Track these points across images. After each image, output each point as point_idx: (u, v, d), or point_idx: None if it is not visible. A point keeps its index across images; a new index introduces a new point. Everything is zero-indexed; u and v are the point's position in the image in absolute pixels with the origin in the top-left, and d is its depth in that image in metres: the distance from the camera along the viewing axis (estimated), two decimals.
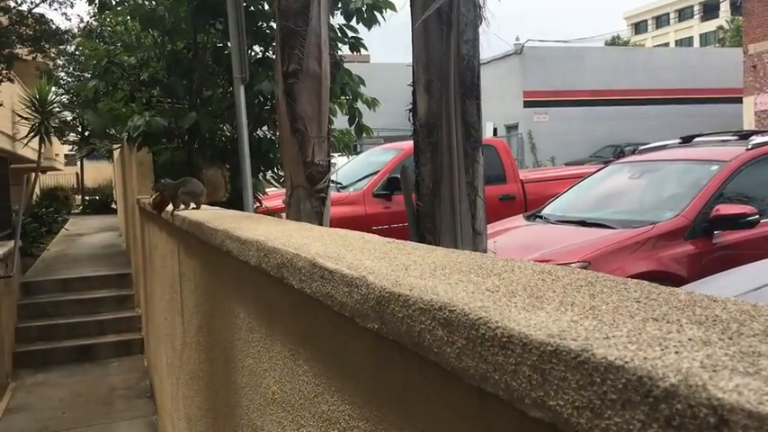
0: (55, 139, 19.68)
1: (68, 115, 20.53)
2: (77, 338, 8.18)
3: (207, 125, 6.01)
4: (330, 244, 1.37)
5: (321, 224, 3.59)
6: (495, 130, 25.36)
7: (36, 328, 8.27)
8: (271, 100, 6.32)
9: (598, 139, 25.75)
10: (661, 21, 70.59)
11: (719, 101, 26.97)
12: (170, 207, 3.53)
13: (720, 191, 5.37)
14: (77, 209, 25.44)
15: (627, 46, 46.09)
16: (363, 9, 5.95)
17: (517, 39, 26.97)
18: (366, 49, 6.69)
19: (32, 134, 16.00)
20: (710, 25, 60.12)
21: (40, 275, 9.66)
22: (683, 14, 66.89)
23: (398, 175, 7.44)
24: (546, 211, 6.44)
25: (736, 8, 23.54)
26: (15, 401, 6.70)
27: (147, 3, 6.38)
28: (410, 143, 7.92)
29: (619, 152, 20.92)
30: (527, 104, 26.20)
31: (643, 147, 7.48)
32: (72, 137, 22.98)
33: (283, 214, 4.75)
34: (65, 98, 20.03)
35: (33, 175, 17.09)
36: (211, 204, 3.80)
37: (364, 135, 7.00)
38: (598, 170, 7.30)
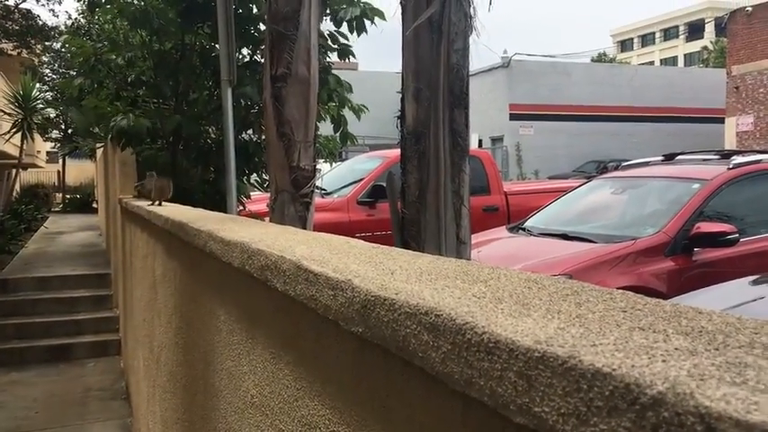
0: (37, 136, 19.48)
1: (52, 112, 20.35)
2: (54, 338, 8.07)
3: (190, 128, 5.98)
4: (315, 247, 1.37)
5: (304, 228, 3.58)
6: (480, 142, 25.50)
7: (12, 325, 8.14)
8: (257, 103, 6.31)
9: (582, 153, 25.96)
10: (646, 39, 71.45)
11: (702, 120, 27.33)
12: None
13: (701, 209, 5.43)
14: (58, 207, 25.17)
15: (613, 63, 46.58)
16: (354, 18, 5.97)
17: (505, 52, 27.18)
18: (354, 56, 6.70)
19: (14, 130, 15.82)
20: (695, 45, 60.95)
21: (18, 273, 9.52)
22: (669, 34, 67.79)
23: (383, 183, 7.45)
24: (529, 223, 6.47)
25: (720, 29, 23.93)
26: None
27: (136, 2, 6.35)
28: (395, 151, 7.92)
29: (602, 168, 21.10)
30: (513, 117, 26.39)
31: (626, 163, 7.55)
32: (55, 134, 22.78)
33: (267, 218, 4.73)
34: (49, 95, 19.84)
35: (14, 171, 16.89)
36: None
37: (349, 142, 7.00)
38: (581, 184, 7.36)
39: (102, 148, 12.53)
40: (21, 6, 11.64)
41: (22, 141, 15.98)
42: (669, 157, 6.87)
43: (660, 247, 5.19)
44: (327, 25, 6.20)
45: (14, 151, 16.26)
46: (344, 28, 6.16)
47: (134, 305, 5.30)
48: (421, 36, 2.69)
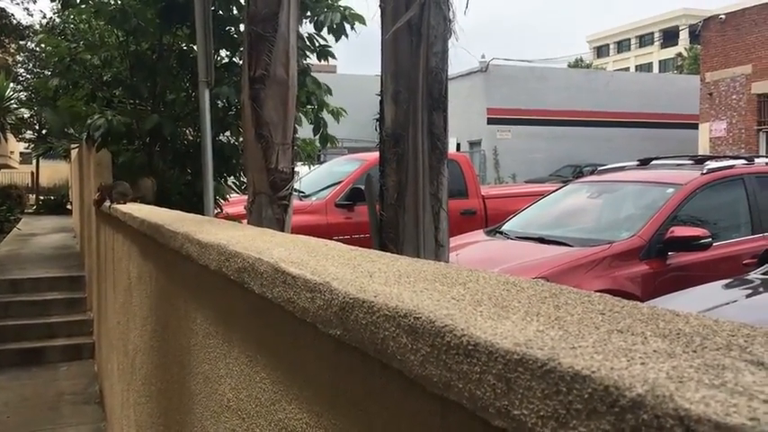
0: (11, 137, 19.17)
1: (26, 112, 20.04)
2: (26, 341, 7.93)
3: (169, 128, 5.92)
4: (293, 249, 1.36)
5: (282, 232, 3.56)
6: (458, 146, 25.60)
7: None
8: (235, 105, 6.27)
9: (559, 158, 26.15)
10: (622, 45, 72.31)
11: (676, 126, 27.69)
12: (107, 203, 4.72)
13: (675, 213, 5.51)
14: (31, 208, 24.78)
15: (589, 69, 47.07)
16: (334, 25, 5.96)
17: (483, 56, 27.32)
18: (334, 57, 6.69)
19: None
20: (670, 52, 61.76)
21: None
22: (644, 41, 68.63)
23: (361, 186, 7.45)
24: (506, 227, 6.50)
25: (694, 37, 24.24)
26: None
27: (113, 1, 6.28)
28: (374, 154, 7.92)
29: (578, 172, 21.28)
30: (490, 121, 26.52)
31: (602, 167, 7.62)
32: (29, 135, 22.44)
33: (244, 221, 4.70)
34: (23, 95, 19.55)
35: None
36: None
37: (329, 145, 6.99)
38: (558, 189, 7.42)
39: (76, 149, 12.36)
40: None
41: None
42: (644, 162, 6.95)
43: (635, 251, 5.24)
44: (308, 28, 6.19)
45: None
46: (326, 32, 6.15)
47: (108, 308, 5.24)
48: (400, 39, 2.69)
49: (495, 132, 26.55)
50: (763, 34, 19.92)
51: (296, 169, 4.05)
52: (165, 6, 5.89)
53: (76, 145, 10.61)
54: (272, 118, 3.57)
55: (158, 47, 6.35)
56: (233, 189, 6.98)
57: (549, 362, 0.54)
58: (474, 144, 27.19)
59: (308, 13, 6.02)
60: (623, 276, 5.11)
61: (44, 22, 16.11)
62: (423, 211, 2.68)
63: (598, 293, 0.79)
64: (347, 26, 6.09)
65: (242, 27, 6.11)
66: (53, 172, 30.21)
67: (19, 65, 20.12)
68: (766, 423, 0.41)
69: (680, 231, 5.28)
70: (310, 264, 1.14)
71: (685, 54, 51.85)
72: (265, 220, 3.57)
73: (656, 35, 65.92)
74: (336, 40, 6.20)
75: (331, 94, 6.69)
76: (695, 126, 22.72)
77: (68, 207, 22.13)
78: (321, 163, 11.29)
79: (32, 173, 28.67)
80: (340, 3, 6.20)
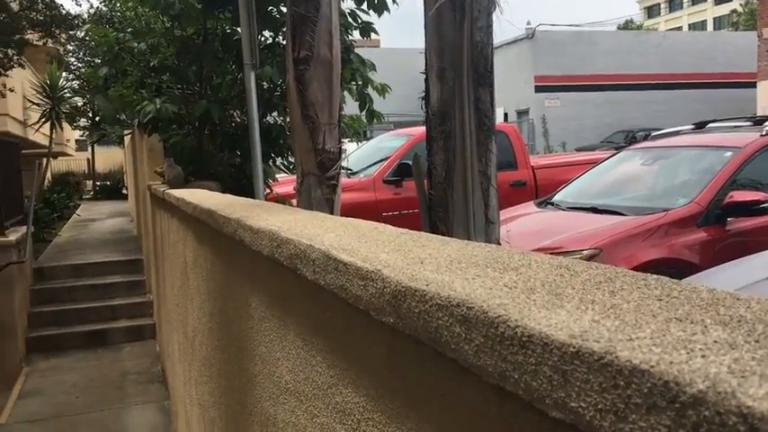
0: (66, 125, 19.74)
1: (79, 101, 20.57)
2: (90, 323, 8.25)
3: (218, 112, 6.00)
4: (344, 235, 1.37)
5: (332, 211, 3.58)
6: (505, 116, 25.26)
7: (49, 313, 8.34)
8: (280, 86, 6.31)
9: (610, 124, 25.58)
10: (674, 5, 69.78)
11: (733, 85, 26.69)
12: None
13: (734, 177, 5.33)
14: (89, 194, 25.57)
15: (640, 30, 45.62)
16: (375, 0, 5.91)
17: (528, 23, 26.76)
18: (377, 33, 6.65)
19: (43, 120, 16.04)
20: (724, 9, 59.39)
21: (53, 261, 9.72)
22: None
23: (409, 162, 7.42)
24: (557, 197, 6.40)
25: None
26: (29, 386, 6.78)
27: None
28: (420, 129, 7.86)
29: (631, 138, 20.79)
30: (538, 89, 26.06)
31: (656, 133, 7.42)
32: (83, 122, 23.04)
33: (294, 201, 4.75)
34: (75, 84, 20.06)
35: (45, 160, 17.16)
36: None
37: (375, 121, 6.97)
38: (610, 156, 7.25)
39: (129, 135, 12.66)
40: None
41: (51, 130, 16.21)
42: (700, 126, 6.73)
43: (692, 218, 5.11)
44: (349, 4, 6.15)
45: (44, 141, 16.51)
46: (366, 6, 6.10)
47: (167, 290, 5.38)
48: (444, 15, 2.65)
49: (544, 100, 26.08)
50: None
51: (343, 147, 4.06)
52: None
53: (129, 131, 10.86)
54: (318, 98, 3.59)
55: (203, 31, 6.41)
56: (281, 170, 7.04)
57: (605, 355, 0.53)
58: (521, 113, 26.78)
59: None
60: (680, 244, 4.99)
61: (92, 11, 16.44)
62: (472, 188, 2.65)
63: (654, 276, 0.78)
64: (388, 1, 6.03)
65: (283, 7, 6.13)
66: (108, 158, 31.02)
67: (70, 54, 20.60)
68: None
69: (739, 196, 5.11)
70: (361, 250, 1.14)
71: (741, 10, 49.79)
72: (314, 200, 3.60)
73: None
74: (379, 16, 6.15)
75: (375, 70, 6.65)
76: (753, 85, 21.84)
77: (124, 192, 22.73)
78: (368, 139, 11.30)
79: (88, 159, 29.48)
80: None
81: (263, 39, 6.33)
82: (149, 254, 8.02)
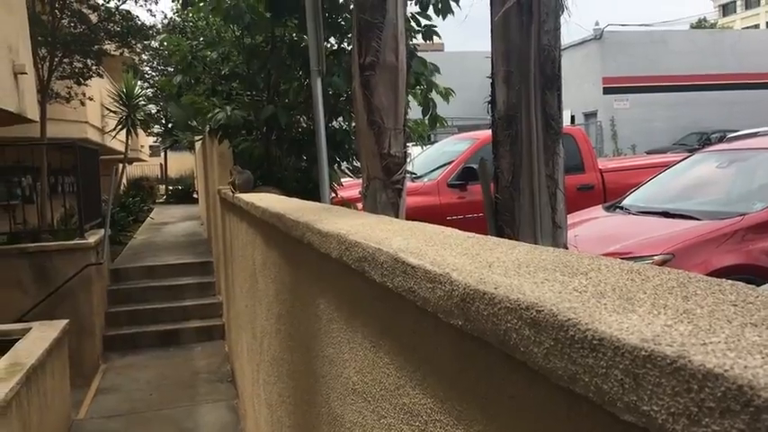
0: (140, 131, 20.47)
1: (153, 108, 21.31)
2: (162, 323, 8.53)
3: (284, 117, 6.12)
4: (411, 238, 1.38)
5: (397, 215, 3.61)
6: (572, 118, 24.80)
7: (124, 312, 8.66)
8: (345, 91, 6.39)
9: (682, 126, 24.78)
10: (751, 1, 67.06)
11: None
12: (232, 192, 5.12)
13: None
14: (161, 198, 26.46)
15: (714, 28, 44.07)
16: (439, 4, 5.92)
17: (597, 24, 26.23)
18: (440, 37, 6.65)
19: (120, 127, 16.69)
20: None
21: (128, 263, 10.10)
22: None
23: (473, 165, 7.39)
24: (627, 201, 6.26)
25: None
26: (106, 382, 7.06)
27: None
28: (485, 133, 7.81)
29: (705, 140, 20.11)
30: (606, 91, 25.48)
31: (732, 134, 7.16)
32: (156, 129, 23.85)
33: (359, 204, 4.80)
34: (149, 91, 20.80)
35: (121, 165, 17.81)
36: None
37: (438, 125, 6.97)
38: (683, 159, 7.04)
39: (200, 141, 13.04)
40: (121, 8, 12.21)
41: (126, 137, 16.84)
42: None
43: None
44: (412, 8, 6.18)
45: (121, 147, 17.17)
46: (432, 11, 6.12)
47: (236, 292, 5.52)
48: (510, 19, 2.65)
49: (612, 102, 25.49)
50: None
51: (408, 151, 4.09)
52: (275, 0, 6.07)
53: (200, 137, 11.19)
54: (383, 103, 3.62)
55: (271, 39, 6.56)
56: (347, 174, 7.13)
57: (678, 359, 0.53)
58: (589, 116, 26.24)
59: None
60: (758, 250, 4.80)
61: (165, 21, 17.02)
62: (539, 192, 2.63)
63: (730, 282, 0.77)
64: (453, 4, 6.03)
65: (347, 14, 6.21)
66: (179, 163, 32.03)
67: (144, 63, 21.36)
68: None
69: None
70: (429, 253, 1.16)
71: None
72: (380, 204, 3.64)
73: None
74: (443, 18, 6.16)
75: (439, 73, 6.65)
76: None
77: (194, 196, 23.41)
78: (432, 143, 11.29)
79: (161, 164, 30.49)
80: None
81: (328, 45, 6.43)
82: (219, 256, 8.24)
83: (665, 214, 5.47)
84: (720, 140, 7.70)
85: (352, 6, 4.58)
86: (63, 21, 10.62)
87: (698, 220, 5.14)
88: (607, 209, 6.29)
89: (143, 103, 18.56)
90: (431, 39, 6.63)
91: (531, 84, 2.62)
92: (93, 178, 9.34)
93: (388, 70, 3.59)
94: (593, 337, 0.63)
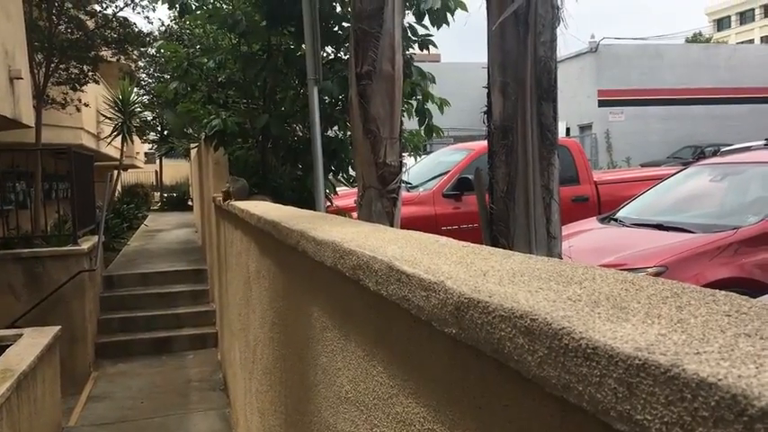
0: (136, 138, 20.46)
1: (149, 115, 21.30)
2: (155, 331, 8.49)
3: (278, 126, 6.13)
4: (406, 247, 1.38)
5: (392, 224, 3.61)
6: (567, 130, 24.89)
7: (117, 319, 8.62)
8: (341, 100, 6.40)
9: (677, 139, 24.89)
10: (745, 17, 67.56)
11: None
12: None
13: None
14: (156, 205, 26.41)
15: (708, 43, 44.35)
16: (436, 9, 5.94)
17: (592, 37, 26.37)
18: (436, 47, 6.67)
19: (115, 133, 16.67)
20: None
21: (122, 269, 10.07)
22: None
23: (469, 176, 7.40)
24: (621, 213, 6.28)
25: None
26: (97, 390, 7.02)
27: (224, 7, 6.56)
28: (480, 143, 7.81)
29: (699, 153, 20.19)
30: (602, 104, 25.59)
31: (726, 148, 7.20)
32: (152, 136, 23.83)
33: (354, 214, 4.80)
34: (145, 98, 20.79)
35: (116, 172, 17.80)
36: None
37: (434, 135, 6.99)
38: (677, 172, 7.07)
39: (195, 148, 13.04)
40: (118, 15, 12.22)
41: (122, 144, 16.83)
42: None
43: (764, 237, 4.93)
44: (408, 18, 6.20)
45: (116, 153, 17.14)
46: (426, 20, 6.14)
47: (229, 300, 5.50)
48: (507, 30, 2.66)
49: (607, 115, 25.60)
50: None
51: (403, 161, 4.10)
52: (272, 8, 6.08)
53: (195, 144, 11.19)
54: (380, 113, 3.63)
55: (267, 47, 6.57)
56: (342, 183, 7.13)
57: (672, 368, 0.53)
58: (584, 128, 26.34)
59: (408, 3, 6.02)
60: (752, 263, 4.82)
61: (162, 29, 17.06)
62: (533, 203, 2.64)
63: (723, 293, 0.77)
64: (448, 14, 6.05)
65: (344, 23, 6.24)
66: (175, 170, 31.97)
67: (141, 70, 21.37)
68: None
69: None
70: (423, 262, 1.16)
71: None
72: (375, 213, 3.64)
73: None
74: (438, 28, 6.18)
75: (435, 83, 6.67)
76: None
77: (189, 203, 23.37)
78: (427, 153, 11.31)
79: (156, 172, 30.44)
80: None
81: (325, 54, 6.45)
82: (213, 264, 8.22)
83: (659, 227, 5.49)
84: (714, 154, 7.73)
85: (349, 16, 4.60)
86: (60, 27, 10.63)
87: (692, 233, 5.16)
88: (601, 221, 6.30)
89: (139, 109, 18.57)
90: (427, 48, 6.65)
91: (528, 95, 2.63)
92: (87, 184, 9.32)
93: (384, 79, 3.60)
94: (587, 346, 0.63)
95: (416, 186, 8.28)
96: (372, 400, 1.40)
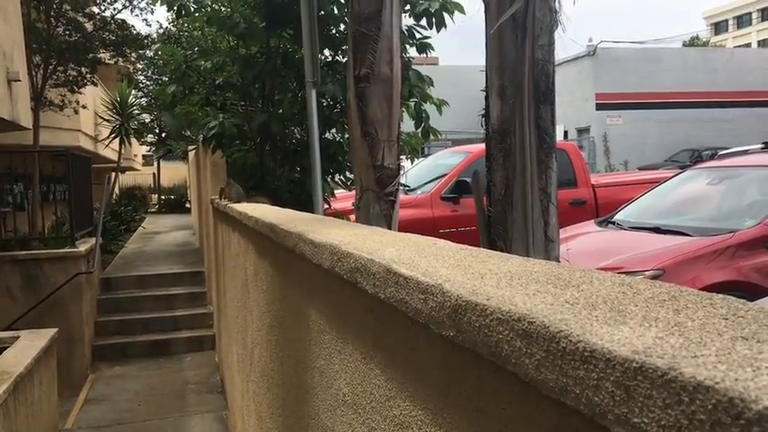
0: (133, 140, 20.45)
1: (147, 117, 21.29)
2: (153, 333, 8.48)
3: (276, 127, 6.13)
4: (404, 250, 1.38)
5: (389, 227, 3.61)
6: (565, 134, 24.94)
7: (114, 322, 8.61)
8: (339, 103, 6.40)
9: (674, 142, 24.94)
10: (743, 20, 67.75)
11: None
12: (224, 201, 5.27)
13: None
14: (154, 208, 26.39)
15: (706, 47, 44.45)
16: (433, 11, 5.95)
17: (590, 40, 26.42)
18: (433, 50, 6.69)
19: (113, 135, 16.66)
20: None
21: (119, 272, 10.05)
22: (766, 14, 63.98)
23: (467, 179, 7.40)
24: (618, 216, 6.28)
25: None
26: (94, 392, 7.00)
27: (223, 9, 6.56)
28: (478, 146, 7.81)
29: (696, 157, 20.24)
30: (599, 107, 25.63)
31: (723, 152, 7.21)
32: (150, 138, 23.82)
33: (352, 216, 4.80)
34: (144, 101, 20.78)
35: (113, 174, 17.75)
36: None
37: (432, 138, 6.99)
38: (674, 175, 7.08)
39: (193, 151, 13.03)
40: (116, 17, 12.22)
41: (120, 146, 16.81)
42: None
43: (761, 240, 4.94)
44: (406, 20, 6.21)
45: (114, 155, 17.13)
46: (423, 22, 6.15)
47: (227, 302, 5.50)
48: (505, 33, 2.66)
49: (605, 118, 25.64)
50: None
51: (401, 163, 4.10)
52: (271, 11, 6.09)
53: (193, 147, 11.18)
54: (378, 115, 3.63)
55: (266, 49, 6.58)
56: (340, 185, 7.13)
57: (669, 371, 0.53)
58: (582, 131, 26.38)
59: (407, 6, 6.04)
60: (749, 267, 4.83)
61: (161, 31, 17.05)
62: (531, 206, 2.64)
63: (720, 296, 0.77)
64: (446, 16, 6.06)
65: (342, 26, 6.24)
66: (173, 173, 31.96)
67: (139, 72, 21.36)
68: None
69: None
70: (421, 265, 1.16)
71: None
72: (373, 216, 3.64)
73: None
74: (438, 31, 6.19)
75: (433, 86, 6.68)
76: None
77: (187, 206, 23.36)
78: (425, 156, 11.32)
79: (154, 174, 30.41)
80: None
81: (323, 57, 6.45)
82: (210, 266, 8.21)
83: (657, 230, 5.50)
84: (712, 157, 7.75)
85: (347, 18, 4.60)
86: (58, 29, 10.62)
87: (689, 236, 5.16)
88: (599, 224, 6.31)
89: (137, 112, 18.55)
90: (425, 51, 6.66)
91: (525, 98, 2.64)
92: (85, 187, 9.31)
93: (382, 82, 3.60)
94: (584, 349, 0.63)
95: (414, 189, 8.28)
96: (370, 402, 1.40)
